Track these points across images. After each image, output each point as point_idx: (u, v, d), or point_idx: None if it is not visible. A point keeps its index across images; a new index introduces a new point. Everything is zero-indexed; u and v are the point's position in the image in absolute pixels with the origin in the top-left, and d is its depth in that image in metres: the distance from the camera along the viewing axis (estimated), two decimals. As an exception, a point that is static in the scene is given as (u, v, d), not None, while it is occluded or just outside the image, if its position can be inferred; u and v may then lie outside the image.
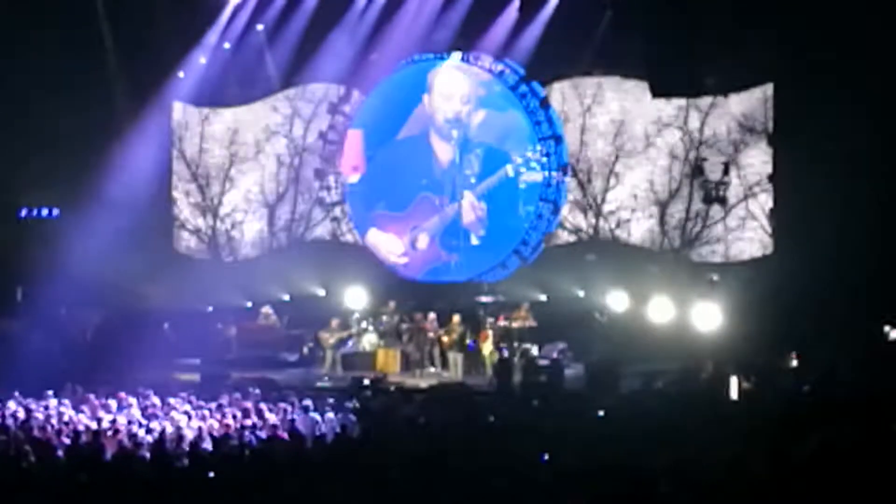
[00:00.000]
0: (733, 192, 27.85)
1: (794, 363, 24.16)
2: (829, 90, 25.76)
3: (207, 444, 19.09)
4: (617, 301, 27.37)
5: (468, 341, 27.77)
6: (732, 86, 28.09)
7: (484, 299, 29.13)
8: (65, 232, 30.25)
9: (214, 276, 31.80)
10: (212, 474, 15.92)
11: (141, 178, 30.88)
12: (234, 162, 32.84)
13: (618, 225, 29.58)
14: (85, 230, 29.42)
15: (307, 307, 30.85)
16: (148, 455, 18.18)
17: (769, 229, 27.95)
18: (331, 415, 21.45)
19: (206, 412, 21.76)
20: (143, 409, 22.16)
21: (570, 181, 29.47)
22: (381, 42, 30.37)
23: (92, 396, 23.05)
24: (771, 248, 27.98)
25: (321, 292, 31.35)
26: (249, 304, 31.34)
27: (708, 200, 27.25)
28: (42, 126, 30.54)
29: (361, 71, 30.68)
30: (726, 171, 26.67)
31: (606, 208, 29.69)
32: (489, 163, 29.71)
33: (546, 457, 15.44)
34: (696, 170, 27.42)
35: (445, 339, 27.91)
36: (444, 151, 30.17)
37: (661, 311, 25.77)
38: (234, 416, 21.28)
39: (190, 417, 21.35)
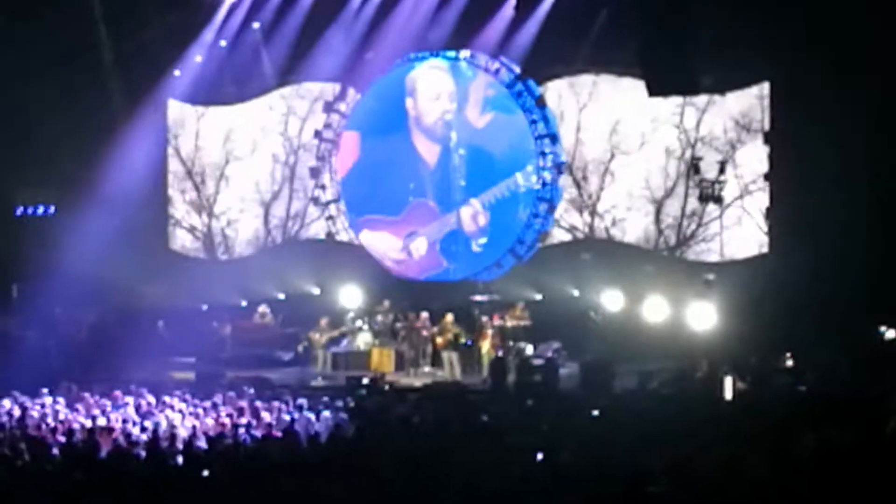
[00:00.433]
0: (729, 190, 27.68)
1: (790, 363, 24.15)
2: (825, 89, 25.73)
3: (202, 443, 19.09)
4: (612, 300, 27.33)
5: (463, 341, 27.68)
6: (728, 84, 28.07)
7: (479, 298, 29.10)
8: (60, 230, 30.29)
9: (209, 275, 31.84)
10: (206, 473, 15.92)
11: (136, 176, 30.91)
12: (229, 160, 32.87)
13: (613, 223, 29.57)
14: (80, 228, 29.45)
15: (302, 306, 30.84)
16: (143, 453, 18.21)
17: (765, 228, 27.93)
18: (325, 413, 21.44)
19: (201, 411, 21.77)
20: (138, 408, 22.16)
21: (565, 180, 29.42)
22: (377, 40, 30.30)
23: (87, 395, 23.06)
24: (767, 247, 27.97)
25: (316, 291, 31.33)
26: (244, 303, 31.33)
27: (704, 199, 27.13)
28: (38, 124, 30.52)
29: (357, 69, 30.62)
30: (722, 170, 26.55)
31: (602, 207, 29.67)
32: (486, 166, 29.54)
33: (540, 456, 15.44)
34: (692, 168, 27.35)
35: (439, 339, 27.86)
36: (430, 153, 30.07)
37: (656, 310, 25.74)
38: (229, 415, 21.29)
39: (184, 416, 21.36)
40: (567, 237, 30.01)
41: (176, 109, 32.96)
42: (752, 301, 25.11)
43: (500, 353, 26.96)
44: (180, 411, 21.70)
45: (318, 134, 31.21)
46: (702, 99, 28.43)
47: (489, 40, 29.57)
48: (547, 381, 25.14)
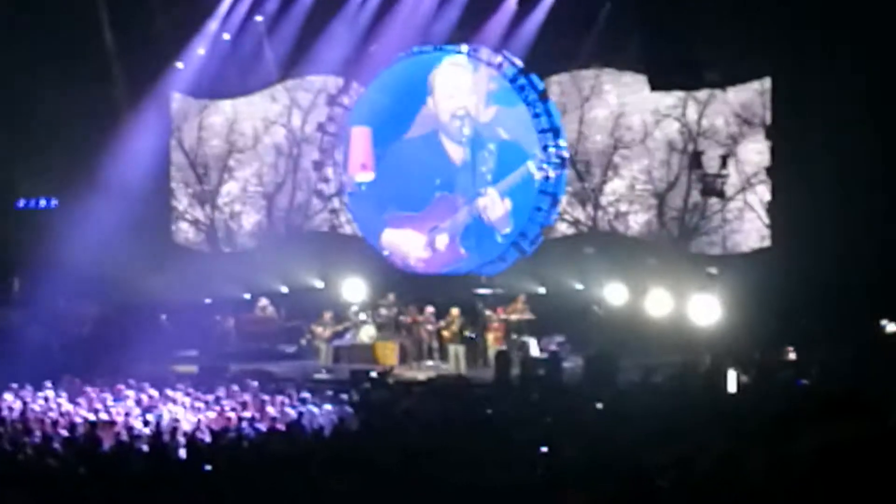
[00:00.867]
0: (731, 184, 27.78)
1: (792, 356, 24.13)
2: (826, 83, 25.74)
3: (205, 437, 19.09)
4: (615, 294, 27.31)
5: (468, 334, 27.66)
6: (730, 78, 28.06)
7: (482, 292, 29.07)
8: (63, 222, 30.23)
9: (212, 268, 31.80)
10: (209, 467, 15.92)
11: (139, 168, 30.89)
12: (232, 152, 32.88)
13: (616, 217, 29.58)
14: (83, 221, 29.38)
15: (305, 299, 30.81)
16: (145, 447, 18.19)
17: (767, 221, 27.93)
18: (329, 407, 21.45)
19: (204, 404, 21.77)
20: (141, 402, 22.16)
21: (568, 173, 29.40)
22: (381, 33, 30.29)
23: (89, 388, 23.06)
24: (769, 241, 27.97)
25: (319, 284, 31.31)
26: (248, 296, 31.30)
27: (706, 192, 27.19)
28: (40, 116, 30.54)
29: (360, 62, 30.59)
30: (724, 164, 26.60)
31: (605, 200, 29.67)
32: (505, 158, 29.39)
33: (545, 449, 15.44)
34: (695, 162, 27.36)
35: (445, 332, 27.85)
36: (455, 151, 29.98)
37: (659, 303, 25.75)
38: (233, 409, 21.29)
39: (187, 409, 21.37)
40: (570, 231, 30.00)
41: (179, 102, 32.95)
42: (754, 294, 25.10)
43: (504, 347, 26.97)
44: (183, 405, 21.71)
45: (321, 127, 31.17)
46: (704, 93, 28.42)
47: (492, 34, 29.54)
48: (550, 375, 25.11)
